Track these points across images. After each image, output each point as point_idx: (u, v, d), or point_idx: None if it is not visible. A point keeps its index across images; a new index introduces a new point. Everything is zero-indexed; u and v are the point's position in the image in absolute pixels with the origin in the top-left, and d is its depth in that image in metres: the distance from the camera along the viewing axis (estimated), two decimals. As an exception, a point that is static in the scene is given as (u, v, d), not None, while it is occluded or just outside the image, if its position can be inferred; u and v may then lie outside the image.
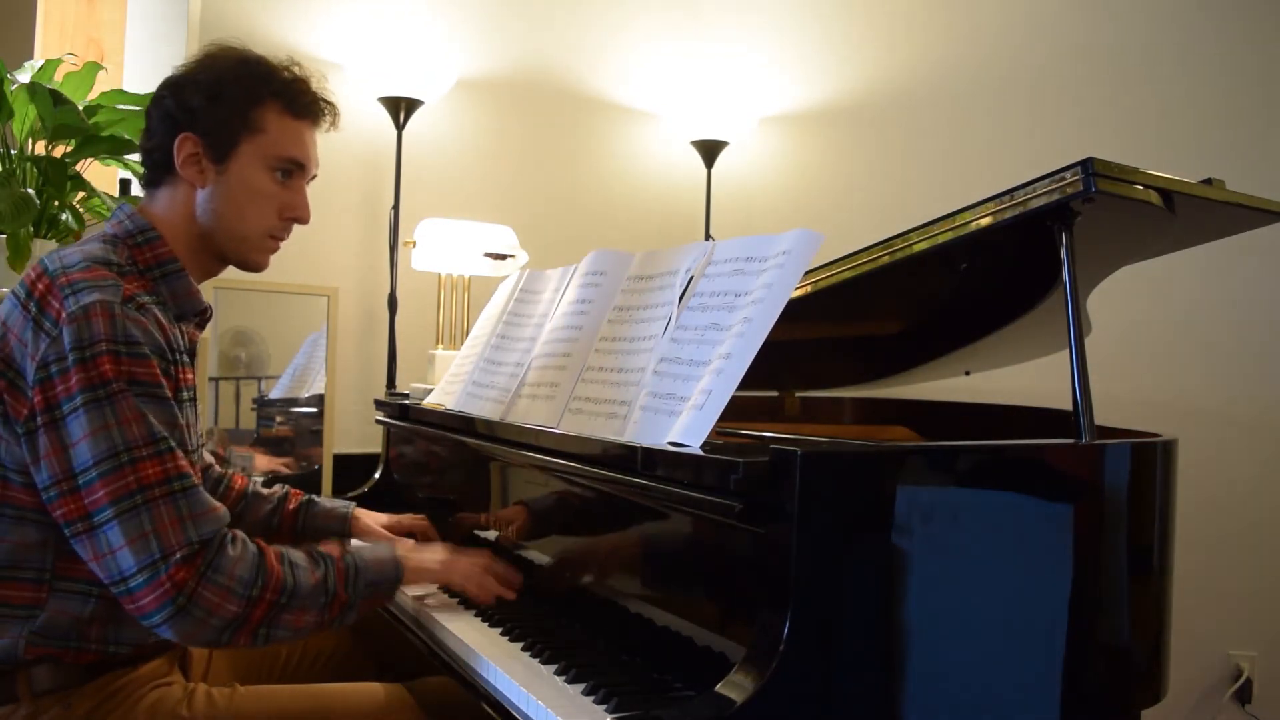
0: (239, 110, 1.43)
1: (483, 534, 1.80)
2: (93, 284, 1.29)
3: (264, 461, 2.59)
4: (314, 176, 1.54)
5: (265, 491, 1.81)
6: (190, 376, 1.43)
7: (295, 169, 1.49)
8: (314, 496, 1.84)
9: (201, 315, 1.49)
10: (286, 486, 1.83)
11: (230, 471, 1.82)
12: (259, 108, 1.44)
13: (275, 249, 1.52)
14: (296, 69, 1.50)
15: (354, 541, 1.76)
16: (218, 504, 1.30)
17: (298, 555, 1.35)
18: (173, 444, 1.27)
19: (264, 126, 1.44)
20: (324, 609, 1.34)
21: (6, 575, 1.30)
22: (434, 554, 1.56)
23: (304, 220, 1.51)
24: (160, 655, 1.44)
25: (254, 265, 1.51)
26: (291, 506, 1.80)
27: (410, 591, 1.64)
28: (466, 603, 1.59)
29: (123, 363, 1.25)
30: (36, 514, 1.29)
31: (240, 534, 1.31)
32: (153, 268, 1.41)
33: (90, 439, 1.23)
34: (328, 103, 1.53)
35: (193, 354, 1.48)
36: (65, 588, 1.31)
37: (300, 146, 1.49)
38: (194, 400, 1.44)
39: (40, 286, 1.31)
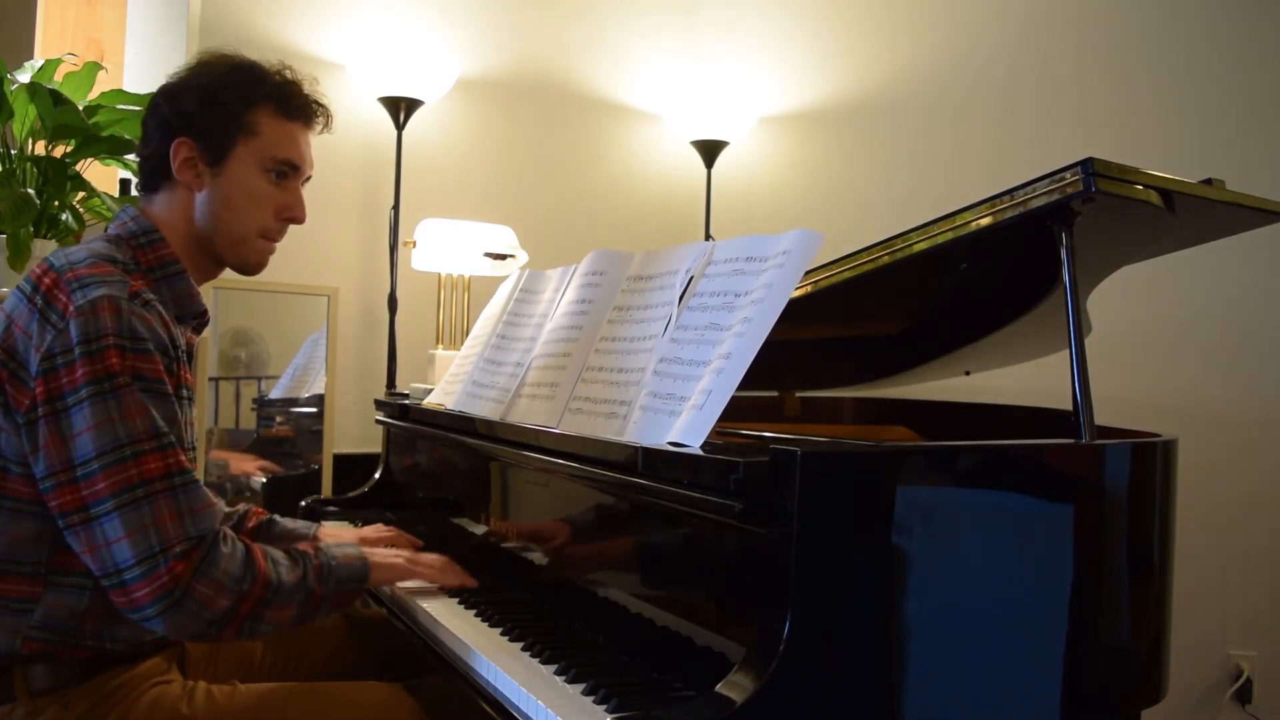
0: (233, 113, 1.46)
1: (482, 534, 1.80)
2: (100, 279, 1.31)
3: (246, 464, 2.57)
4: (309, 177, 1.56)
5: (227, 509, 1.78)
6: (189, 377, 1.44)
7: (290, 170, 1.51)
8: (275, 516, 1.81)
9: (200, 318, 1.51)
10: (249, 506, 1.81)
11: None
12: (253, 110, 1.47)
13: (272, 250, 1.55)
14: (289, 72, 1.53)
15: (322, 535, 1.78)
16: (214, 499, 1.33)
17: (278, 554, 1.39)
18: (174, 439, 1.29)
19: (258, 129, 1.47)
20: (303, 604, 1.38)
21: (3, 569, 1.31)
22: (397, 551, 1.64)
23: (300, 220, 1.54)
24: (159, 653, 1.44)
25: (252, 267, 1.53)
26: (251, 525, 1.77)
27: (402, 585, 1.65)
28: (466, 602, 1.59)
29: (128, 357, 1.27)
30: (34, 506, 1.30)
31: (229, 532, 1.34)
32: (155, 269, 1.43)
33: (94, 431, 1.24)
34: (320, 104, 1.56)
35: (190, 357, 1.49)
36: (60, 582, 1.32)
37: (294, 147, 1.51)
38: (191, 400, 1.46)
39: (47, 281, 1.33)
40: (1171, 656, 1.42)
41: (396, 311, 2.82)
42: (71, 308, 1.27)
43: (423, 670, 1.68)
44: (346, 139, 2.87)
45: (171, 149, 1.45)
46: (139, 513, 1.24)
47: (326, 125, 1.58)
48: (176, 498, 1.26)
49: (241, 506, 1.82)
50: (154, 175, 1.48)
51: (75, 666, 1.34)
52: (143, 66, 2.79)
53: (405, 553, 1.64)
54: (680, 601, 1.28)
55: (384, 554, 1.59)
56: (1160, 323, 2.75)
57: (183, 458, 1.30)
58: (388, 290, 2.82)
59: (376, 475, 2.30)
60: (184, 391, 1.39)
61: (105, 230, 1.48)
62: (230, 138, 1.46)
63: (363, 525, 1.96)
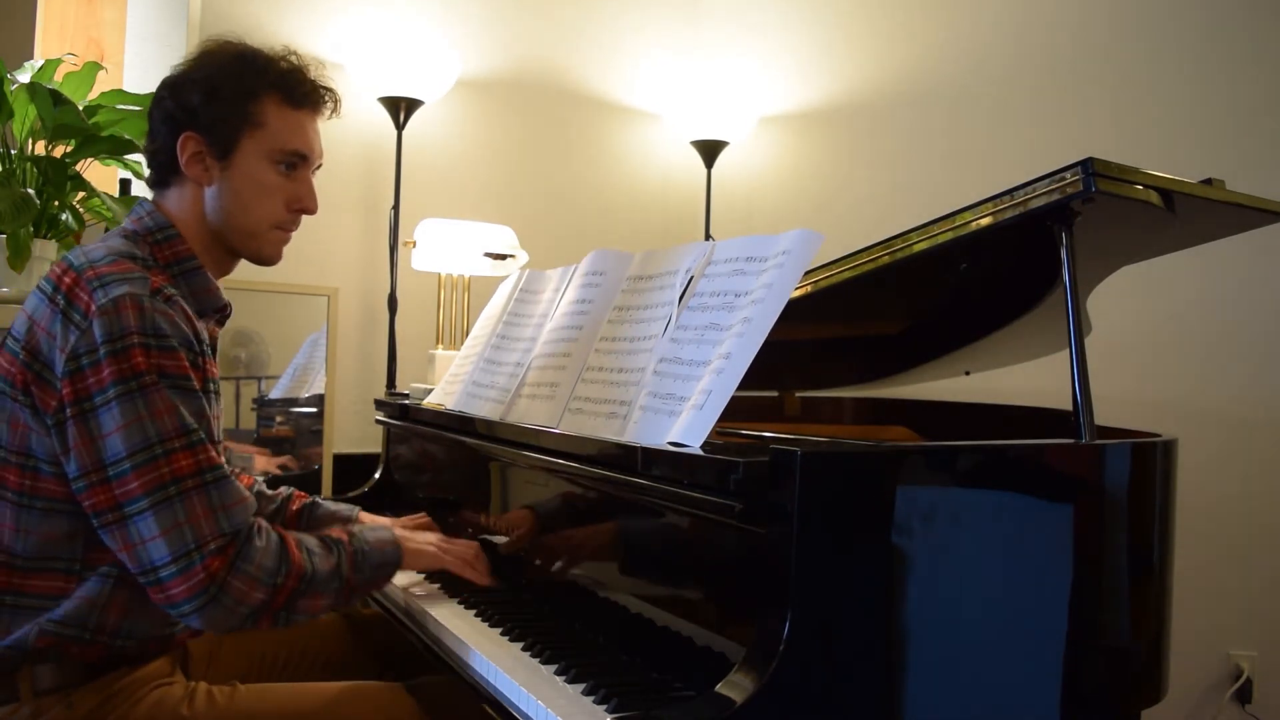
0: (237, 105, 1.43)
1: (482, 534, 1.80)
2: (121, 277, 1.30)
3: (262, 462, 2.59)
4: (319, 165, 1.54)
5: (270, 492, 1.82)
6: (214, 370, 1.44)
7: (299, 160, 1.49)
8: (318, 498, 1.85)
9: (221, 311, 1.51)
10: (291, 489, 1.84)
11: (236, 470, 1.82)
12: (257, 101, 1.44)
13: (286, 241, 1.53)
14: (293, 58, 1.49)
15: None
16: (246, 493, 1.33)
17: (313, 542, 1.39)
18: (203, 435, 1.29)
19: (264, 120, 1.45)
20: (337, 593, 1.39)
21: (36, 566, 1.31)
22: (429, 538, 1.63)
23: (311, 211, 1.52)
24: (162, 655, 1.44)
25: (267, 259, 1.52)
26: (295, 508, 1.80)
27: (400, 582, 1.65)
28: (467, 602, 1.59)
29: (153, 355, 1.27)
30: (67, 504, 1.30)
31: (264, 523, 1.34)
32: (172, 265, 1.43)
33: (123, 431, 1.24)
34: (327, 89, 1.52)
35: (214, 349, 1.49)
36: (91, 576, 1.32)
37: (302, 137, 1.48)
38: (218, 394, 1.46)
39: (67, 280, 1.32)
40: (1171, 656, 1.42)
41: (396, 311, 2.82)
42: (94, 307, 1.27)
43: (423, 670, 1.68)
44: (347, 139, 2.88)
45: (179, 144, 1.43)
46: (172, 510, 1.24)
47: (335, 110, 1.54)
48: (209, 494, 1.27)
49: (284, 490, 1.83)
50: (163, 170, 1.47)
51: (80, 667, 1.34)
52: (143, 66, 2.79)
53: (436, 539, 1.64)
54: (680, 601, 1.28)
55: (417, 539, 1.59)
56: (1160, 323, 2.75)
57: (213, 453, 1.30)
58: (388, 290, 2.82)
59: (376, 475, 2.30)
60: (210, 385, 1.39)
61: (122, 225, 1.46)
62: (236, 131, 1.43)
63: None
